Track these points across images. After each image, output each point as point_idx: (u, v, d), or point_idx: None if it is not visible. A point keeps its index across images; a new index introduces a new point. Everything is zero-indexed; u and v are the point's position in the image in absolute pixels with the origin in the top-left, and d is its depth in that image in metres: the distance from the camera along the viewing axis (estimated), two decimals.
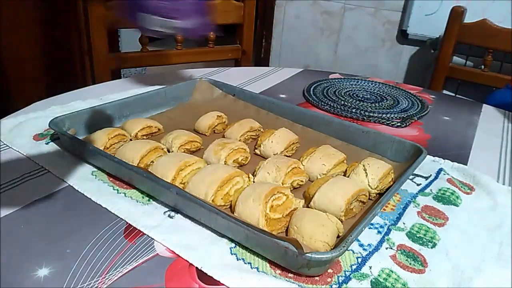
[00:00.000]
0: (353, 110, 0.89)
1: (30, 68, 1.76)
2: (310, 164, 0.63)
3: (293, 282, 0.44)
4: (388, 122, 0.85)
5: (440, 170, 0.67)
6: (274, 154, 0.66)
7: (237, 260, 0.46)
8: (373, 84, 1.08)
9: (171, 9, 0.69)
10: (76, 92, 0.92)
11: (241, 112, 0.82)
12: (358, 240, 0.50)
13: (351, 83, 1.08)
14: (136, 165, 0.59)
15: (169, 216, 0.53)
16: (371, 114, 0.88)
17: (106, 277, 0.43)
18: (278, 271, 0.45)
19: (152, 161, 0.61)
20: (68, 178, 0.59)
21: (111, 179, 0.59)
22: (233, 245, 0.48)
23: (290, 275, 0.45)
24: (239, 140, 0.70)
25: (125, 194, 0.56)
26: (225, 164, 0.62)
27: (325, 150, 0.65)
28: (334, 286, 0.44)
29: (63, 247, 0.46)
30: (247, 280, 0.43)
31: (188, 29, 0.70)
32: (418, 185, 0.63)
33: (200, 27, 0.75)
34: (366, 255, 0.48)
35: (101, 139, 0.65)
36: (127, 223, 0.51)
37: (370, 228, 0.52)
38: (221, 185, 0.53)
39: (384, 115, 0.88)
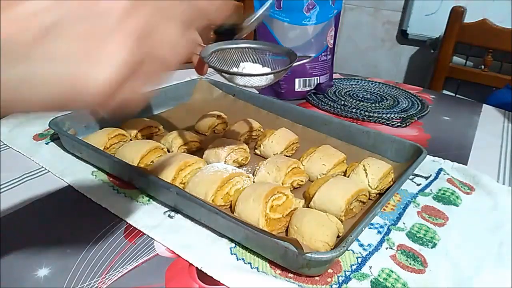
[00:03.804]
0: (353, 110, 0.89)
1: None
2: (310, 164, 0.63)
3: (293, 282, 0.44)
4: (388, 122, 0.85)
5: (440, 170, 0.67)
6: (274, 154, 0.66)
7: (237, 260, 0.46)
8: (373, 84, 1.08)
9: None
10: None
11: (241, 112, 0.82)
12: (358, 240, 0.50)
13: (351, 83, 1.08)
14: (136, 165, 0.59)
15: (169, 216, 0.53)
16: (371, 114, 0.88)
17: (106, 277, 0.43)
18: (278, 271, 0.45)
19: (152, 161, 0.61)
20: (68, 178, 0.59)
21: (111, 179, 0.59)
22: (233, 245, 0.48)
23: (290, 275, 0.45)
24: (239, 140, 0.70)
25: (125, 194, 0.56)
26: (225, 164, 0.62)
27: (325, 150, 0.65)
28: (334, 286, 0.44)
29: (63, 247, 0.46)
30: (247, 280, 0.43)
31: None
32: (418, 185, 0.63)
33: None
34: (366, 255, 0.48)
35: (101, 139, 0.65)
36: (127, 223, 0.51)
37: (370, 228, 0.52)
38: (221, 185, 0.53)
39: (384, 115, 0.88)
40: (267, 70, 0.53)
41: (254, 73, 0.52)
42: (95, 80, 0.23)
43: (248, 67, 0.53)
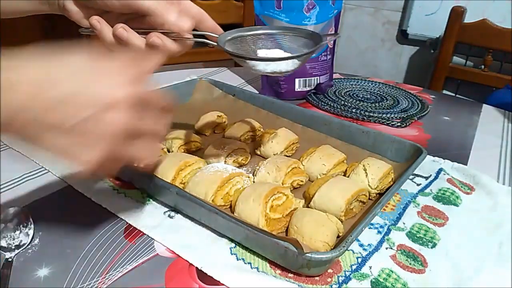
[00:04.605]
0: (353, 110, 0.89)
1: None
2: (310, 164, 0.63)
3: (293, 282, 0.44)
4: (388, 122, 0.85)
5: (440, 170, 0.67)
6: (274, 154, 0.66)
7: (237, 260, 0.46)
8: (373, 84, 1.08)
9: None
10: None
11: (241, 112, 0.82)
12: (358, 240, 0.50)
13: (351, 83, 1.08)
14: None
15: (169, 216, 0.53)
16: (371, 114, 0.88)
17: (106, 277, 0.43)
18: (278, 271, 0.45)
19: None
20: (68, 178, 0.59)
21: (111, 179, 0.59)
22: (233, 245, 0.48)
23: (290, 275, 0.45)
24: (239, 140, 0.70)
25: (125, 194, 0.56)
26: (225, 164, 0.62)
27: (325, 150, 0.65)
28: (334, 286, 0.44)
29: (63, 247, 0.46)
30: (247, 280, 0.43)
31: None
32: (418, 185, 0.63)
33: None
34: (366, 255, 0.48)
35: None
36: (127, 223, 0.51)
37: (370, 228, 0.52)
38: (221, 185, 0.53)
39: (384, 115, 0.88)
40: (290, 55, 0.49)
41: (281, 56, 0.48)
42: (82, 160, 0.35)
43: (270, 54, 0.50)
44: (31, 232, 0.48)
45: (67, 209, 0.53)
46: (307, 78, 0.94)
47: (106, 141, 0.36)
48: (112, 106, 0.35)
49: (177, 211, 0.53)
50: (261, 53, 0.50)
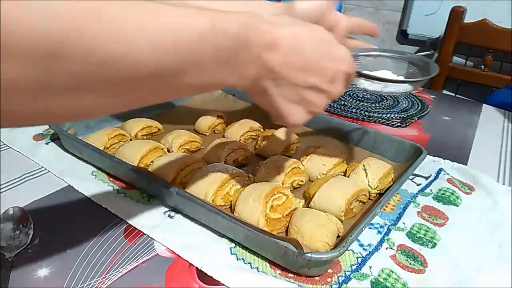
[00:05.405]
0: (353, 110, 0.89)
1: None
2: (310, 164, 0.63)
3: (293, 282, 0.44)
4: (388, 122, 0.85)
5: (440, 170, 0.67)
6: (274, 154, 0.66)
7: (237, 260, 0.46)
8: None
9: None
10: None
11: (241, 112, 0.82)
12: (358, 240, 0.50)
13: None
14: (136, 165, 0.59)
15: (169, 216, 0.53)
16: (371, 114, 0.88)
17: (106, 277, 0.43)
18: (278, 271, 0.45)
19: (152, 161, 0.61)
20: (68, 178, 0.59)
21: (111, 179, 0.59)
22: (233, 245, 0.48)
23: (290, 275, 0.45)
24: (239, 140, 0.70)
25: (125, 194, 0.56)
26: (225, 164, 0.62)
27: (325, 150, 0.65)
28: (334, 286, 0.44)
29: (63, 247, 0.46)
30: (247, 280, 0.43)
31: None
32: (418, 185, 0.63)
33: None
34: (366, 255, 0.48)
35: (101, 139, 0.65)
36: (127, 223, 0.51)
37: (370, 228, 0.52)
38: (221, 185, 0.53)
39: (384, 115, 0.88)
40: (401, 78, 0.53)
41: (398, 79, 0.51)
42: (292, 120, 0.41)
43: (382, 74, 0.52)
44: (31, 232, 0.48)
45: (67, 209, 0.53)
46: None
47: (320, 107, 0.41)
48: (340, 78, 0.40)
49: (177, 211, 0.53)
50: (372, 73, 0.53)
